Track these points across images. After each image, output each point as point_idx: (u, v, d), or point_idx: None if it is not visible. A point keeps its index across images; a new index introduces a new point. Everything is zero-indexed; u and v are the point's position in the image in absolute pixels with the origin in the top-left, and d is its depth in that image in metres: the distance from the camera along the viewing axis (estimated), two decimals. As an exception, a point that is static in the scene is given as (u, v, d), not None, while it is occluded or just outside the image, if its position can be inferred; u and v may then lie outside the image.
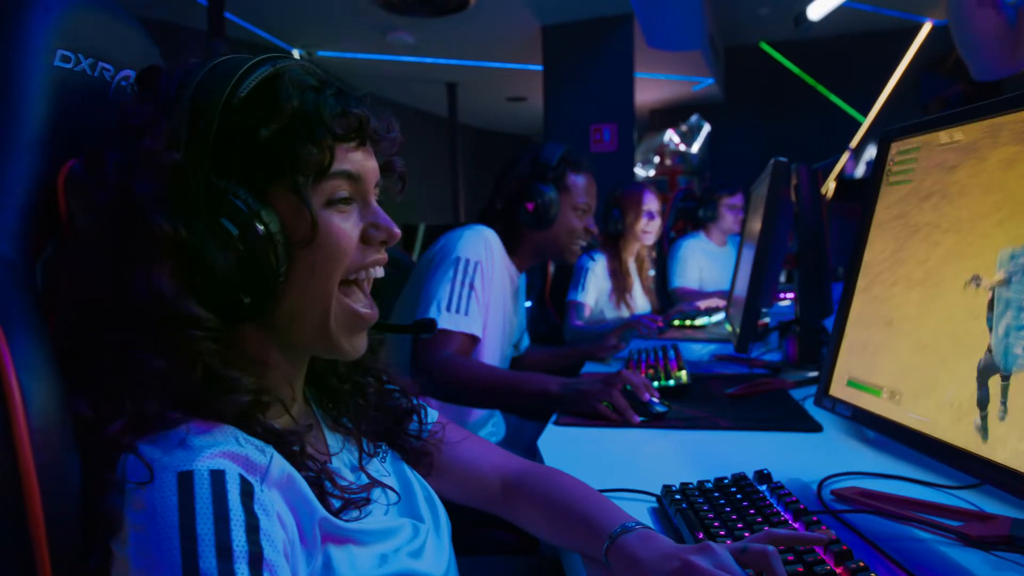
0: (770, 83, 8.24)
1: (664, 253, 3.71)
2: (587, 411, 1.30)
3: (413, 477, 0.79)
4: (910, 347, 0.85)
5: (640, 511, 0.90)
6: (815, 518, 0.76)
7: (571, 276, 2.86)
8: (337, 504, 0.64)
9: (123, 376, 0.57)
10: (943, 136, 0.85)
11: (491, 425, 1.75)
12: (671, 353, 1.77)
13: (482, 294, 1.53)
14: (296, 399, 0.71)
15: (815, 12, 1.97)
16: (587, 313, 2.82)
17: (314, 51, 7.21)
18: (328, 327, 0.67)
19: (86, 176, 0.61)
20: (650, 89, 7.91)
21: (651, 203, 2.91)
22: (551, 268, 2.94)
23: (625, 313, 2.88)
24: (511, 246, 1.70)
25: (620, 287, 2.88)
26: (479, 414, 1.75)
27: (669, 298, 3.54)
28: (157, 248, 0.57)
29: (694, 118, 8.28)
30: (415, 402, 0.84)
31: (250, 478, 0.55)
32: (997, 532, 0.78)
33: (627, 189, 2.93)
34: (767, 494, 0.86)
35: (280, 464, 0.59)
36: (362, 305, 0.69)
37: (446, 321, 1.47)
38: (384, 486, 0.73)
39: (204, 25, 4.92)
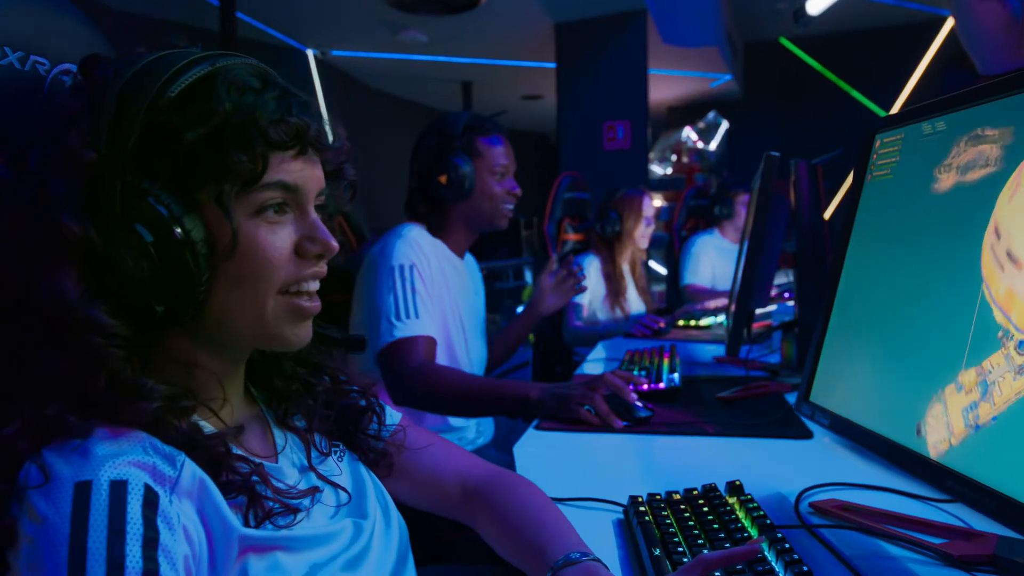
0: (790, 79, 8.11)
1: (676, 250, 3.65)
2: (568, 416, 1.26)
3: (368, 477, 0.76)
4: (887, 353, 0.80)
5: (605, 523, 0.86)
6: (779, 534, 0.71)
7: None
8: (269, 506, 0.61)
9: (21, 377, 0.55)
10: (926, 127, 0.80)
11: (479, 427, 1.71)
12: (667, 355, 1.72)
13: (427, 294, 1.51)
14: (230, 399, 0.68)
15: (814, 7, 1.90)
16: (584, 314, 2.79)
17: (328, 51, 7.23)
18: (266, 326, 0.64)
19: (9, 170, 0.59)
20: (667, 86, 7.81)
21: (650, 209, 2.88)
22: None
23: (619, 315, 2.84)
24: (441, 227, 1.66)
25: (614, 290, 2.85)
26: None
27: (679, 295, 3.47)
28: (64, 249, 0.55)
29: (712, 115, 8.18)
30: (376, 403, 0.81)
31: (157, 487, 0.53)
32: (981, 551, 0.73)
33: (628, 193, 2.88)
34: (736, 507, 0.81)
35: (192, 472, 0.56)
36: (303, 299, 0.66)
37: (402, 330, 1.45)
38: (335, 485, 0.71)
39: (217, 26, 4.94)
